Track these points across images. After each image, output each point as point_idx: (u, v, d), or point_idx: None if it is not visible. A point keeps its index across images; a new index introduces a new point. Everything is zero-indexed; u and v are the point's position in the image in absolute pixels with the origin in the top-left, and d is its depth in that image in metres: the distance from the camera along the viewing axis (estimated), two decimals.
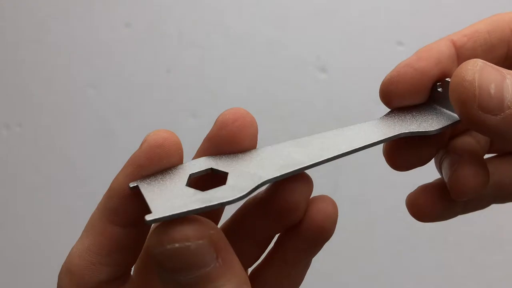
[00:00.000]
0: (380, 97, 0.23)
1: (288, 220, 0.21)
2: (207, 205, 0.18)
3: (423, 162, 0.23)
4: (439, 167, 0.24)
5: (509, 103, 0.19)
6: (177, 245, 0.17)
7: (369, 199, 0.61)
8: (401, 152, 0.23)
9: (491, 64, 0.19)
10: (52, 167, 0.67)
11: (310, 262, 0.23)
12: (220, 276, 0.18)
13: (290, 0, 0.64)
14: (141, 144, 0.19)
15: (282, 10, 0.64)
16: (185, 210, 0.18)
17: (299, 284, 0.23)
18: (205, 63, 0.65)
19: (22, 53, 0.69)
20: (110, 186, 0.20)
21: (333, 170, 0.61)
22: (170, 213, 0.17)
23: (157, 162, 0.19)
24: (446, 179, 0.23)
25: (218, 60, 0.65)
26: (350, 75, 0.63)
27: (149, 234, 0.21)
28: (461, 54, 0.23)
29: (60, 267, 0.21)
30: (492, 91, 0.18)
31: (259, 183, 0.19)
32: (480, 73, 0.19)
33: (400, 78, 0.22)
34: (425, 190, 0.25)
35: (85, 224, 0.21)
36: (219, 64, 0.65)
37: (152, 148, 0.19)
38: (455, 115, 0.22)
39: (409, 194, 0.25)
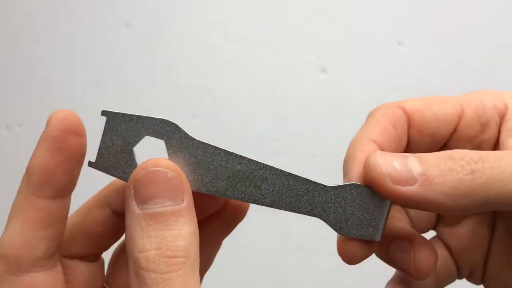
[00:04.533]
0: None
1: (210, 210, 0.25)
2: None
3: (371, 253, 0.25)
4: (384, 255, 0.26)
5: (419, 173, 0.21)
6: (159, 168, 0.21)
7: None
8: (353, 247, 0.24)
9: (391, 153, 0.23)
10: None
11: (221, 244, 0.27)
12: (182, 216, 0.21)
13: (290, 0, 0.64)
14: (48, 123, 0.22)
15: (282, 10, 0.64)
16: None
17: (212, 260, 0.27)
18: (205, 63, 0.65)
19: (22, 53, 0.69)
20: (28, 166, 0.22)
21: (333, 171, 0.61)
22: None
23: (68, 132, 0.22)
24: (402, 264, 0.25)
25: (218, 60, 0.65)
26: (350, 75, 0.63)
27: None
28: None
29: None
30: (397, 166, 0.21)
31: None
32: (380, 156, 0.22)
33: None
34: None
35: None
36: (219, 64, 0.65)
37: (60, 121, 0.21)
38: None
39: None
